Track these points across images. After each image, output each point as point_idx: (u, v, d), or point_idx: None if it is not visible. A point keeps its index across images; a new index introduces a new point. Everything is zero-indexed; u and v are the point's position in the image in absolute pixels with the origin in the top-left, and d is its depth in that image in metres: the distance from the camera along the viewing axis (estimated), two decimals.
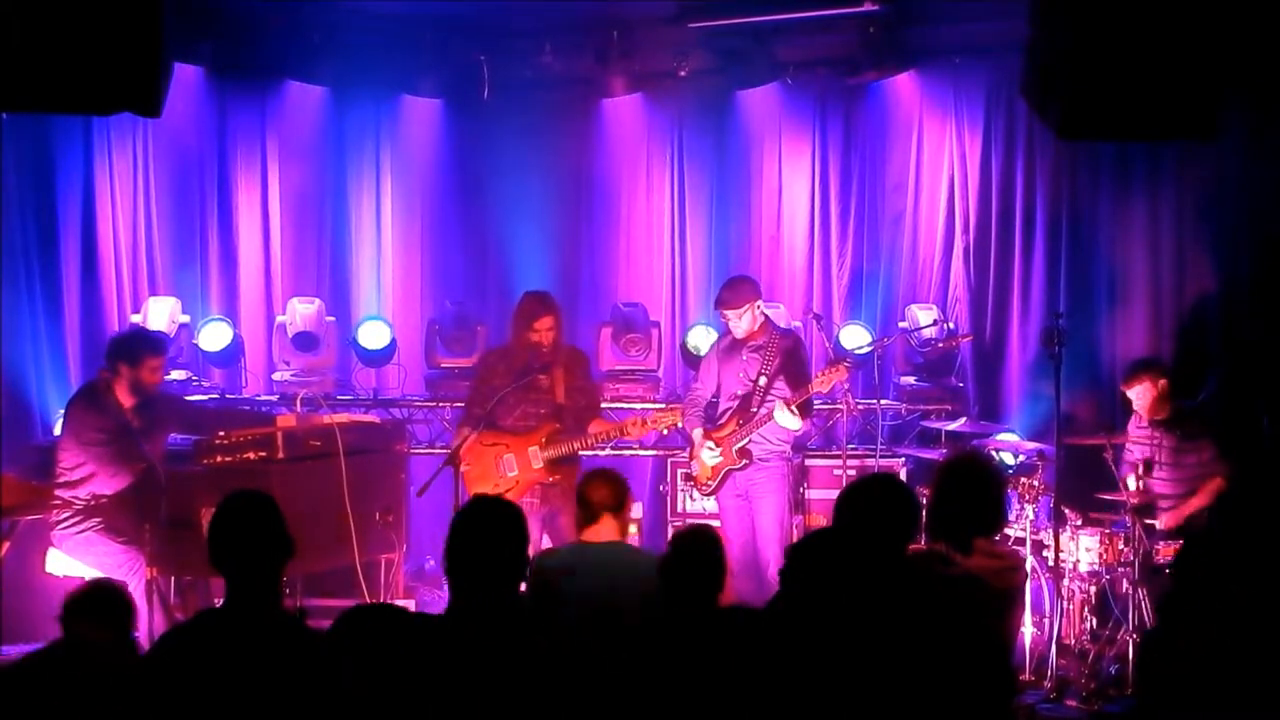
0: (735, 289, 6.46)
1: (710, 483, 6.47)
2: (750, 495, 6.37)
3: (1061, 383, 6.22)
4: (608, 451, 6.86)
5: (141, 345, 6.13)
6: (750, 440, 6.33)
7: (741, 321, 6.38)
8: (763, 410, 6.30)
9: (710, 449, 6.42)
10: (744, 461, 6.35)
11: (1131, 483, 6.27)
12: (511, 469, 6.34)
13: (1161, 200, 7.76)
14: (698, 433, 6.52)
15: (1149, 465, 6.34)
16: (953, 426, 7.10)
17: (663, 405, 7.22)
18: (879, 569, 3.40)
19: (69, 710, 3.61)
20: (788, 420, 6.24)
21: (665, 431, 6.57)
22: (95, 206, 7.88)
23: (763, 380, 6.34)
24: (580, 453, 6.48)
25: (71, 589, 4.08)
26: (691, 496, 6.97)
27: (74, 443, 5.96)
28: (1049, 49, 4.73)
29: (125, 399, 6.00)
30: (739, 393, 6.43)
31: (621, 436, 6.47)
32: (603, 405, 6.96)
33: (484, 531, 3.34)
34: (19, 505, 6.30)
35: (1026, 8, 4.93)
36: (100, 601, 3.98)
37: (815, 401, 6.56)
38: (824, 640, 3.28)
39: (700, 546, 3.86)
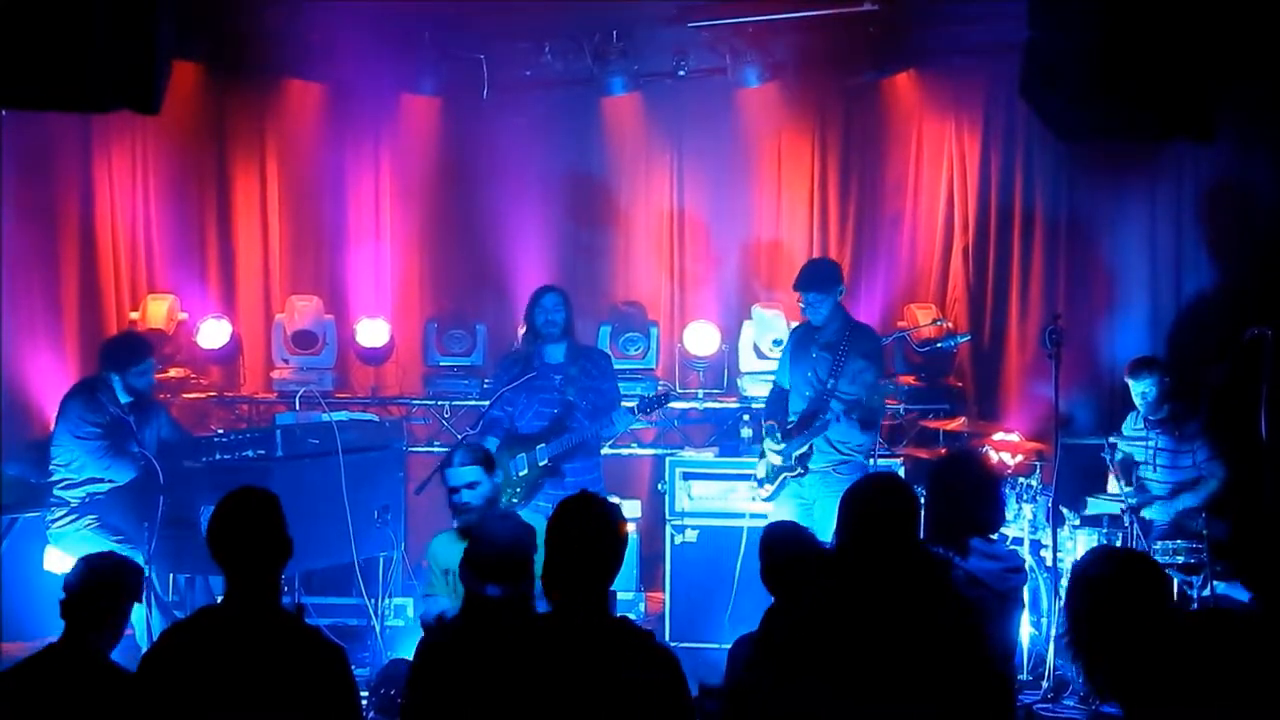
0: (818, 273, 6.15)
1: (769, 487, 6.16)
2: (813, 503, 6.03)
3: (1060, 383, 6.23)
4: (608, 450, 6.84)
5: (128, 352, 6.12)
6: (811, 447, 6.02)
7: (822, 309, 6.07)
8: (826, 415, 5.93)
9: (775, 449, 6.10)
10: (799, 469, 6.04)
11: (1113, 484, 6.29)
12: (522, 469, 6.31)
13: (1161, 200, 7.77)
14: (771, 427, 6.23)
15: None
16: (951, 426, 7.10)
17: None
18: (888, 571, 3.37)
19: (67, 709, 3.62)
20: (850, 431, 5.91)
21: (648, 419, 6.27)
22: (94, 204, 7.90)
23: (830, 384, 6.01)
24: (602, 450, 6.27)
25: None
26: (690, 495, 6.93)
27: (68, 438, 5.97)
28: (1048, 49, 4.74)
29: (121, 395, 6.02)
30: (806, 393, 6.12)
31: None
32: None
33: (581, 530, 3.32)
34: (17, 502, 6.32)
35: (1026, 8, 4.93)
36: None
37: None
38: (827, 640, 3.28)
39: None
